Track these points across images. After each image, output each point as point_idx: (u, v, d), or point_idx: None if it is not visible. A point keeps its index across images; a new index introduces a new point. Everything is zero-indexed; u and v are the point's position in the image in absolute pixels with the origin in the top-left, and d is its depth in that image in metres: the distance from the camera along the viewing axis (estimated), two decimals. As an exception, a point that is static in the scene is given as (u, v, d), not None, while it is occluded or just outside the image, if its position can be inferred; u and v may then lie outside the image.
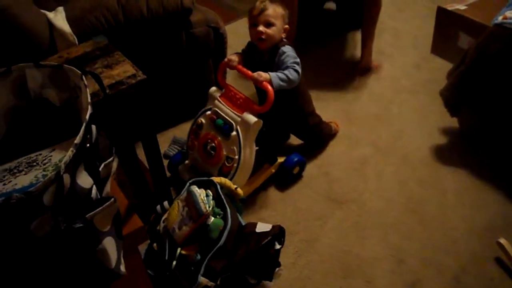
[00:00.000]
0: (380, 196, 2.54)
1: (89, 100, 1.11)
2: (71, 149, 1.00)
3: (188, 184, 2.08)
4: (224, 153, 2.36)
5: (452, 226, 2.40)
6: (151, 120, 2.03)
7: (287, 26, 2.41)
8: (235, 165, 2.33)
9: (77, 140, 1.01)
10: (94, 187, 1.11)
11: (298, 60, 2.35)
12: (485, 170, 2.65)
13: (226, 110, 2.39)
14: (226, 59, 2.45)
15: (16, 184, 1.16)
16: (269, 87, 2.24)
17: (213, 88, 2.51)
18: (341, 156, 2.77)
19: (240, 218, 2.07)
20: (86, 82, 1.17)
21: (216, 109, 2.42)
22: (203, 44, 2.69)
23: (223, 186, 2.12)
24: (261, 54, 2.43)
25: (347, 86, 3.26)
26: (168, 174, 2.62)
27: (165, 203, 2.22)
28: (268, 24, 2.34)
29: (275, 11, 2.34)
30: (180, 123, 2.96)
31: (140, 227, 1.37)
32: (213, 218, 1.93)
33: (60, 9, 2.33)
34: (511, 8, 2.61)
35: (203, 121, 2.47)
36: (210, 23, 2.68)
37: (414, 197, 2.54)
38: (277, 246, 1.96)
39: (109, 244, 1.12)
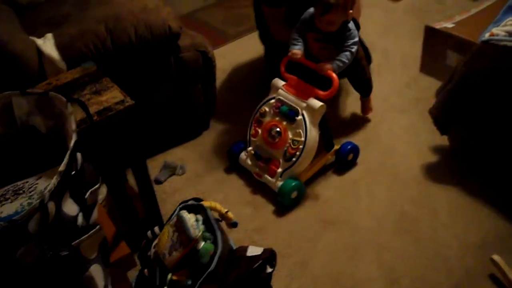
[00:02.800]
0: (371, 216, 2.54)
1: (74, 127, 1.11)
2: (55, 177, 1.00)
3: (177, 209, 2.07)
4: (290, 136, 2.56)
5: (445, 244, 2.40)
6: (140, 145, 2.04)
7: (351, 11, 2.56)
8: (300, 146, 2.52)
9: (62, 167, 1.01)
10: (81, 214, 1.11)
11: (357, 39, 2.63)
12: (476, 187, 2.65)
13: (291, 97, 2.60)
14: (290, 53, 2.61)
15: (1, 212, 1.15)
16: (334, 75, 2.50)
17: (276, 79, 2.70)
18: (332, 177, 2.77)
19: (231, 242, 2.06)
20: (71, 110, 1.17)
21: (280, 97, 2.63)
22: (192, 69, 2.70)
23: (214, 210, 2.11)
24: None
25: (337, 105, 3.27)
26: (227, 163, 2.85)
27: (156, 229, 2.20)
28: (330, 22, 2.54)
29: (338, 10, 2.49)
30: (171, 147, 2.96)
31: (128, 254, 1.37)
32: (203, 243, 1.91)
33: (49, 35, 2.34)
34: (498, 24, 2.63)
35: (267, 109, 2.66)
36: (199, 47, 2.69)
37: (406, 216, 2.54)
38: (269, 270, 1.94)
39: (96, 271, 1.12)
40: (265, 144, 2.63)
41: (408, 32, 4.02)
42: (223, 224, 2.17)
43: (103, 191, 1.84)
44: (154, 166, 2.80)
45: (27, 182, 1.27)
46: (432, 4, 4.43)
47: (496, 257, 2.22)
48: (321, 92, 2.55)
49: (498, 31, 2.53)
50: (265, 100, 2.69)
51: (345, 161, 2.78)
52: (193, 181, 2.75)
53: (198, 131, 3.05)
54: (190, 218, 1.94)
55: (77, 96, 1.92)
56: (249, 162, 2.70)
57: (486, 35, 2.57)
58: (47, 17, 2.77)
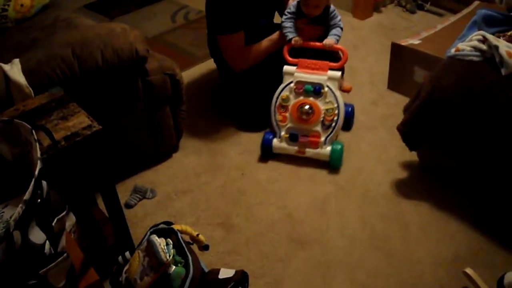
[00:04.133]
0: (343, 234, 2.55)
1: (39, 155, 1.10)
2: (20, 205, 0.99)
3: (148, 233, 2.06)
4: (322, 108, 2.87)
5: (418, 259, 2.41)
6: (108, 170, 2.02)
7: None
8: (336, 112, 2.87)
9: (26, 196, 1.00)
10: (47, 242, 1.10)
11: (340, 17, 3.01)
12: (447, 201, 2.68)
13: (309, 76, 2.90)
14: (293, 41, 2.94)
15: (-33, 242, 1.14)
16: (341, 47, 2.95)
17: (286, 66, 2.97)
18: (303, 197, 2.77)
19: (202, 265, 2.05)
20: (36, 137, 1.17)
21: (299, 79, 2.91)
22: (160, 91, 2.69)
23: (185, 233, 2.11)
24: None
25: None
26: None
27: (127, 254, 2.19)
28: (316, 6, 2.91)
29: None
30: (141, 171, 2.93)
31: (96, 281, 1.35)
32: (174, 267, 1.90)
33: (16, 61, 2.32)
34: (463, 40, 2.67)
35: (288, 94, 2.93)
36: (166, 70, 2.68)
37: (378, 233, 2.55)
38: (241, 291, 1.94)
39: (64, 300, 1.11)
40: (299, 123, 2.90)
41: (375, 49, 4.08)
42: (195, 247, 2.16)
43: (72, 218, 1.82)
44: (124, 189, 2.78)
45: (-7, 210, 1.25)
46: (399, 21, 4.50)
47: (469, 270, 2.23)
48: (334, 64, 2.92)
49: (463, 46, 2.57)
50: (282, 87, 2.95)
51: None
52: (164, 204, 2.73)
53: (167, 154, 3.03)
54: (160, 243, 1.93)
55: (44, 122, 1.90)
56: (285, 145, 2.95)
57: (452, 51, 2.61)
58: (15, 42, 2.76)
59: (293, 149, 2.93)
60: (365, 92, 3.54)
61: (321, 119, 2.87)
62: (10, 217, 1.16)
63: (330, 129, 2.88)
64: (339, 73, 2.91)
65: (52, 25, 2.94)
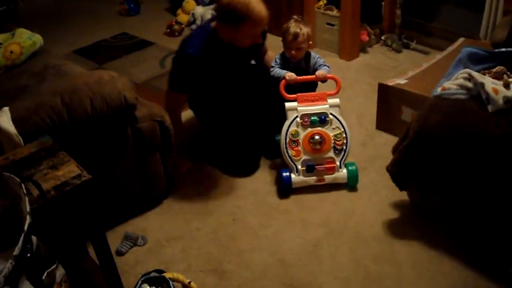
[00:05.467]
0: (336, 277, 2.53)
1: (28, 209, 1.10)
2: (10, 261, 0.98)
3: (140, 282, 2.04)
4: (331, 134, 3.02)
5: (412, 300, 2.40)
6: (99, 218, 2.01)
7: (311, 42, 3.23)
8: (344, 135, 3.04)
9: (16, 251, 0.99)
10: (38, 297, 1.08)
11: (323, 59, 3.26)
12: (439, 240, 2.68)
13: (313, 108, 3.05)
14: (287, 77, 3.09)
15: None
16: (333, 76, 3.16)
17: (287, 104, 3.08)
18: (294, 241, 2.75)
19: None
20: (25, 190, 1.16)
21: (303, 112, 3.04)
22: (149, 138, 2.70)
23: (177, 281, 2.09)
24: (296, 61, 3.22)
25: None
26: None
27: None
28: (299, 48, 3.14)
29: (303, 37, 3.12)
30: (131, 218, 2.90)
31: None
32: (167, 315, 1.89)
33: (6, 109, 2.32)
34: (449, 78, 2.70)
35: (296, 128, 3.04)
36: (155, 117, 2.70)
37: (371, 275, 2.53)
38: None
39: None
40: (313, 153, 3.03)
41: (362, 90, 4.12)
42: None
43: (61, 268, 1.80)
44: (115, 237, 2.75)
45: (-17, 265, 1.24)
46: (385, 60, 4.56)
47: None
48: (331, 92, 3.12)
49: (449, 85, 2.60)
50: (288, 124, 3.04)
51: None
52: (155, 252, 2.70)
53: (158, 200, 3.02)
54: (151, 292, 1.92)
55: (34, 171, 1.89)
56: (304, 178, 3.03)
57: (438, 90, 2.64)
58: (4, 90, 2.77)
59: (312, 179, 3.04)
60: (354, 133, 3.55)
61: (332, 145, 3.03)
62: (0, 272, 1.15)
63: (343, 153, 3.05)
64: (338, 100, 3.10)
65: (42, 72, 2.96)
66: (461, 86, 2.57)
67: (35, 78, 2.87)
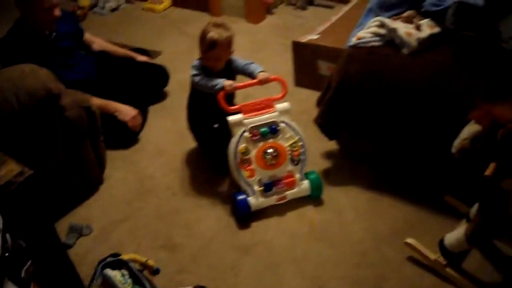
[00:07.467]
0: (283, 233, 2.62)
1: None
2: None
3: (99, 268, 2.03)
4: (285, 145, 2.70)
5: (359, 240, 2.54)
6: (45, 212, 1.98)
7: (232, 50, 2.81)
8: (300, 143, 2.72)
9: (-3, 251, 0.99)
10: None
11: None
12: (374, 181, 2.83)
13: (260, 118, 2.68)
14: (227, 86, 2.65)
15: None
16: (278, 77, 2.83)
17: (230, 117, 2.68)
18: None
19: (160, 288, 2.05)
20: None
21: (251, 125, 2.66)
22: (78, 125, 2.66)
23: (134, 262, 2.10)
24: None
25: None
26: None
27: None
28: (218, 58, 2.74)
29: (223, 46, 2.70)
30: (72, 209, 2.86)
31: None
32: (135, 296, 1.91)
33: None
34: (362, 28, 2.79)
35: (245, 145, 2.66)
36: (81, 103, 2.66)
37: (315, 224, 2.65)
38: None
39: None
40: (269, 169, 2.69)
41: (275, 50, 4.17)
42: (146, 273, 2.16)
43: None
44: (59, 231, 2.69)
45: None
46: (292, 19, 4.63)
47: (410, 240, 2.38)
48: (277, 97, 2.78)
49: (363, 34, 2.70)
50: (236, 141, 2.65)
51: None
52: (102, 238, 2.68)
53: (94, 187, 2.99)
54: (116, 275, 1.92)
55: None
56: (262, 199, 2.69)
57: (353, 40, 2.73)
58: None
59: (272, 199, 2.71)
60: (274, 93, 3.59)
61: (289, 156, 2.71)
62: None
63: (301, 163, 2.74)
64: (287, 104, 2.76)
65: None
66: (375, 34, 2.67)
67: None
